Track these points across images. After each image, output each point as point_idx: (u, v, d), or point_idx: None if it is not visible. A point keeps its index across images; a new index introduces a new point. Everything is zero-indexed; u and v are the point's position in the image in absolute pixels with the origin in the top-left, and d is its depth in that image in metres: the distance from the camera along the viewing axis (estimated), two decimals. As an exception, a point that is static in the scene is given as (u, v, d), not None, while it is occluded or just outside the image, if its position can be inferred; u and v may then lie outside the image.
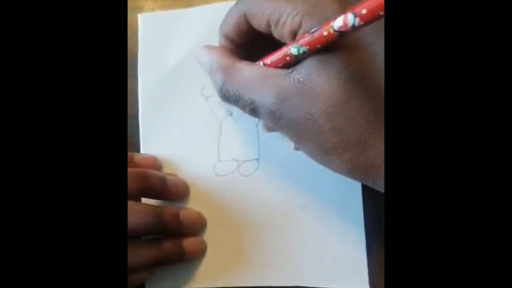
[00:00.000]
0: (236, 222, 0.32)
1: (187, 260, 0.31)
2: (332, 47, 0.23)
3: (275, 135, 0.32)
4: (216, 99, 0.33)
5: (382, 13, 0.19)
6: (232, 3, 0.27)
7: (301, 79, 0.23)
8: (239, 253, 0.32)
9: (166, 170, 0.33)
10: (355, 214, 0.31)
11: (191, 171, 0.33)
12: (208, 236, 0.32)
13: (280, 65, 0.25)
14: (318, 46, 0.22)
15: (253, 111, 0.26)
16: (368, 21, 0.19)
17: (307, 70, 0.23)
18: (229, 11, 0.27)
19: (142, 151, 0.33)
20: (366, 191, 0.31)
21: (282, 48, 0.24)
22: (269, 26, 0.25)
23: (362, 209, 0.31)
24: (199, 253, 0.32)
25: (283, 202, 0.32)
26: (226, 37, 0.28)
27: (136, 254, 0.29)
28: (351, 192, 0.31)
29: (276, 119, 0.25)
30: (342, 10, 0.20)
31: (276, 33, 0.25)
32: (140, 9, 0.34)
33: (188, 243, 0.31)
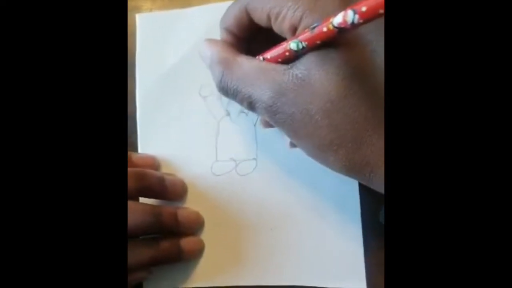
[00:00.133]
0: (233, 222, 0.32)
1: (185, 259, 0.31)
2: (332, 43, 0.23)
3: (273, 134, 0.32)
4: (214, 99, 0.33)
5: (382, 11, 0.19)
6: (230, 3, 0.27)
7: (300, 75, 0.23)
8: (237, 252, 0.32)
9: (164, 169, 0.33)
10: (353, 213, 0.31)
11: (189, 170, 0.33)
12: (206, 235, 0.32)
13: (279, 60, 0.25)
14: (318, 42, 0.22)
15: (251, 105, 0.26)
16: (367, 18, 0.20)
17: (306, 66, 0.23)
18: (231, 5, 0.27)
19: (140, 150, 0.33)
20: (364, 190, 0.31)
21: (282, 43, 0.24)
22: (269, 20, 0.25)
23: (360, 208, 0.31)
24: (197, 253, 0.32)
25: (280, 202, 0.32)
26: (227, 30, 0.28)
27: (134, 254, 0.29)
28: (348, 192, 0.31)
29: (273, 114, 0.25)
30: (343, 6, 0.20)
31: (276, 27, 0.25)
32: (138, 9, 0.34)
33: (186, 242, 0.31)
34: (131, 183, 0.29)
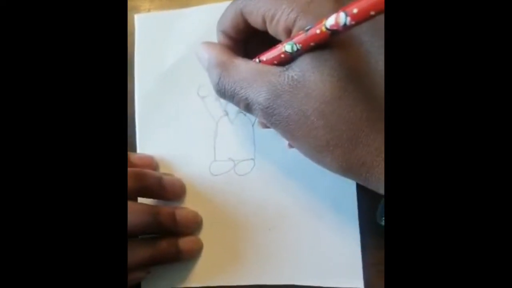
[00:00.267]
0: (232, 222, 0.32)
1: (183, 259, 0.32)
2: (327, 45, 0.23)
3: (271, 134, 0.32)
4: (212, 99, 0.33)
5: (373, 13, 0.19)
6: (228, 3, 0.27)
7: (295, 77, 0.24)
8: (235, 252, 0.32)
9: (162, 169, 0.33)
10: (350, 213, 0.31)
11: (187, 170, 0.33)
12: (204, 235, 0.32)
13: (275, 62, 0.25)
14: (312, 44, 0.22)
15: (247, 107, 0.26)
16: (359, 20, 0.20)
17: (301, 68, 0.23)
18: (227, 8, 0.27)
19: (138, 150, 0.34)
20: (361, 190, 0.31)
21: (278, 46, 0.24)
22: (265, 22, 0.25)
23: (357, 208, 0.31)
24: (195, 252, 0.32)
25: (278, 202, 0.32)
26: (224, 33, 0.28)
27: (133, 253, 0.29)
28: (346, 191, 0.31)
29: (269, 116, 0.25)
30: (337, 8, 0.20)
31: (271, 30, 0.25)
32: (136, 10, 0.35)
33: (184, 242, 0.31)
34: (129, 183, 0.29)
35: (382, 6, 0.18)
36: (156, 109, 0.34)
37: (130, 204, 0.29)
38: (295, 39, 0.23)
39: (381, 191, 0.24)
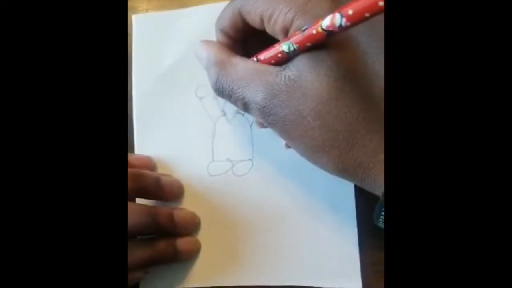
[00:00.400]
0: (230, 222, 0.32)
1: (181, 259, 0.32)
2: (323, 45, 0.23)
3: (269, 135, 0.32)
4: (210, 99, 0.33)
5: (368, 14, 0.19)
6: (226, 3, 0.27)
7: (292, 77, 0.24)
8: (233, 252, 0.32)
9: (160, 170, 0.33)
10: (348, 213, 0.31)
11: (185, 171, 0.33)
12: (202, 236, 0.32)
13: (273, 61, 0.25)
14: (308, 44, 0.22)
15: (245, 106, 0.26)
16: (354, 22, 0.20)
17: (298, 68, 0.23)
18: (225, 7, 0.27)
19: (136, 151, 0.33)
20: (359, 191, 0.31)
21: (275, 45, 0.25)
22: (262, 22, 0.25)
23: (355, 209, 0.31)
24: (193, 253, 0.32)
25: (276, 202, 0.32)
26: (223, 32, 0.28)
27: (131, 254, 0.29)
28: (344, 192, 0.31)
29: (266, 115, 0.25)
30: (334, 9, 0.21)
31: (269, 29, 0.25)
32: (134, 10, 0.34)
33: (182, 243, 0.31)
34: (128, 183, 0.29)
35: (377, 8, 0.18)
36: (154, 110, 0.34)
37: (128, 204, 0.29)
38: (292, 39, 0.23)
39: (377, 192, 0.24)
